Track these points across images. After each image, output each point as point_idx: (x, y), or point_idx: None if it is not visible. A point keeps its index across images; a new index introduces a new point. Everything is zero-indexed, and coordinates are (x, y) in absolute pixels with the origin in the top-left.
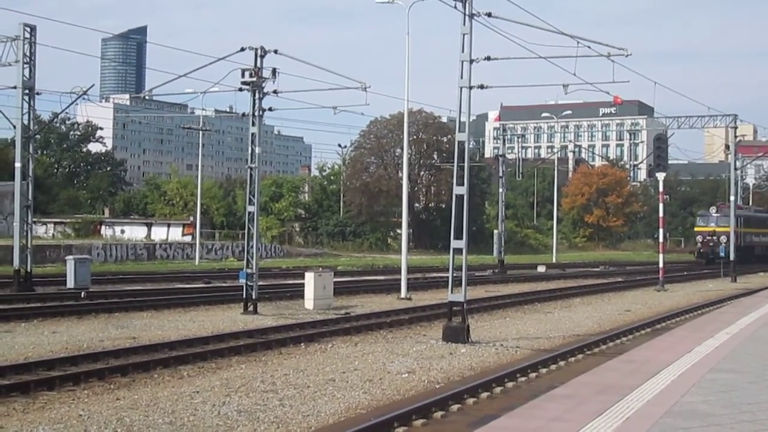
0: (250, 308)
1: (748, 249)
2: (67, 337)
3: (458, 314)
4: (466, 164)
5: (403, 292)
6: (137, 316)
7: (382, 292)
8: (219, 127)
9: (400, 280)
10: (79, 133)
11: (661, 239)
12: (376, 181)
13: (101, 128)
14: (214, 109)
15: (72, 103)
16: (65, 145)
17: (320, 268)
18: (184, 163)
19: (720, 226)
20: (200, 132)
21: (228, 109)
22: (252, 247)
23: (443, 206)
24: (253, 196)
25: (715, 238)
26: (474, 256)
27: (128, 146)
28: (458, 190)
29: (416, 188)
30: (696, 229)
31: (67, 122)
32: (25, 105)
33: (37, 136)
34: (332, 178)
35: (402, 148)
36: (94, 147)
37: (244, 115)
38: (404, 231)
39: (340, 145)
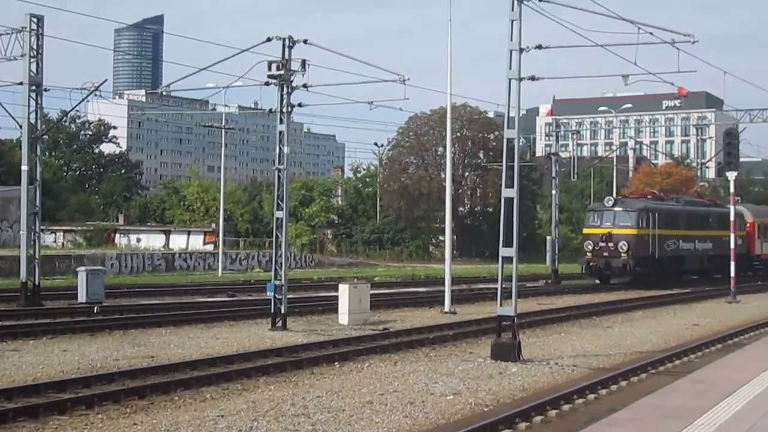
0: (279, 324)
1: (671, 260)
2: (79, 357)
3: (508, 330)
4: (515, 164)
5: (447, 306)
6: (155, 333)
7: (423, 305)
8: (243, 125)
9: (443, 292)
10: (90, 133)
11: (732, 245)
12: (416, 183)
13: (115, 127)
14: (237, 106)
15: (83, 100)
16: (75, 146)
17: (355, 279)
18: (205, 164)
19: (620, 227)
20: (222, 130)
21: (253, 106)
22: (280, 256)
23: (490, 210)
24: (282, 201)
25: (611, 245)
26: (525, 265)
27: (144, 147)
28: (507, 192)
29: (460, 190)
30: (585, 231)
31: (78, 121)
32: (32, 102)
33: (45, 137)
34: (368, 180)
35: (444, 147)
36: (107, 148)
37: (270, 111)
38: (448, 238)
39: (376, 144)
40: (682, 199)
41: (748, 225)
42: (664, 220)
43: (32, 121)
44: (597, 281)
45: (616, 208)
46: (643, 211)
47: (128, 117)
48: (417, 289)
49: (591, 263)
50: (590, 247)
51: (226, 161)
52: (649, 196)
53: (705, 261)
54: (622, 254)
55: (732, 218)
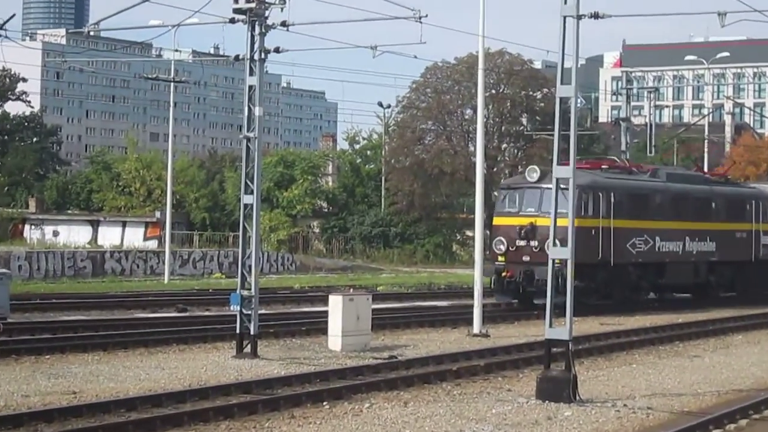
0: (247, 349)
1: (639, 269)
2: None
3: (560, 359)
4: (572, 132)
5: (477, 326)
6: (78, 360)
7: (444, 324)
8: (199, 78)
9: (471, 307)
10: None
11: None
12: (435, 157)
13: (24, 79)
14: (191, 51)
15: None
16: None
17: (351, 290)
18: (146, 131)
19: (550, 214)
20: (171, 85)
21: (213, 51)
22: (249, 257)
23: None
24: (251, 181)
25: (534, 243)
26: None
27: (64, 106)
28: (560, 171)
29: (496, 168)
30: (495, 221)
31: None
32: None
33: None
34: (369, 153)
35: (474, 108)
36: (12, 107)
37: (237, 59)
38: (478, 233)
39: (380, 105)
40: (663, 172)
41: None
42: (629, 204)
43: None
44: (513, 301)
45: (544, 185)
46: (589, 190)
47: (42, 66)
48: (436, 302)
49: (504, 273)
50: (502, 248)
51: (175, 126)
52: (604, 166)
53: (703, 270)
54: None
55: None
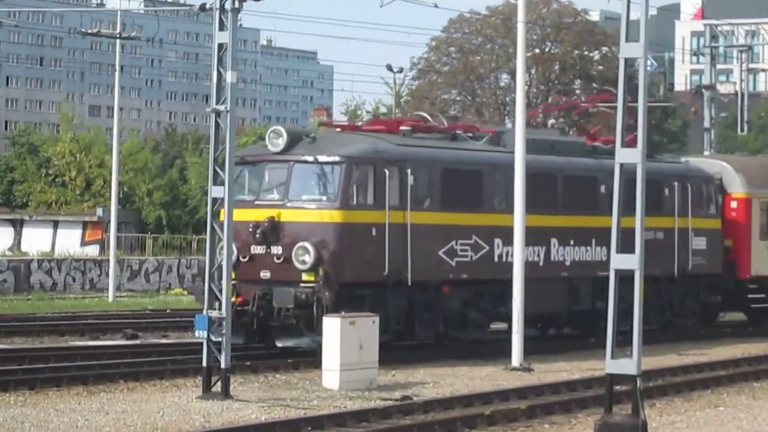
0: (216, 387)
1: (459, 291)
2: None
3: (626, 399)
4: (640, 104)
5: (517, 357)
6: None
7: (475, 355)
8: (153, 34)
9: (509, 332)
10: None
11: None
12: None
13: None
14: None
15: None
16: None
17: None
18: (84, 103)
19: (301, 204)
20: (117, 43)
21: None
22: (220, 266)
23: None
24: (222, 169)
25: (275, 252)
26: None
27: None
28: (626, 154)
29: None
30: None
31: None
32: None
33: None
34: None
35: (512, 73)
36: None
37: (202, 9)
38: (518, 232)
39: (390, 68)
40: (512, 137)
41: (732, 202)
42: (442, 187)
43: None
44: (240, 342)
45: (294, 157)
46: (365, 165)
47: None
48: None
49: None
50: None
51: (122, 98)
52: (405, 127)
53: (585, 292)
54: (305, 275)
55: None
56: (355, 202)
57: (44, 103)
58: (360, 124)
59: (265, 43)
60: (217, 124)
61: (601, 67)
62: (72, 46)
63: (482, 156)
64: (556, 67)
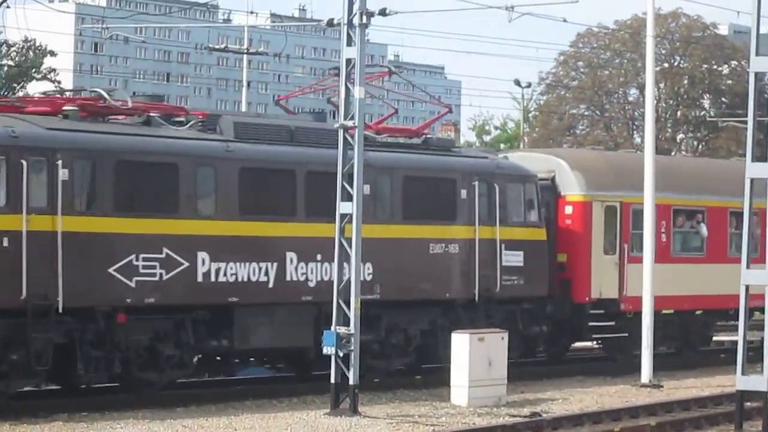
0: (345, 404)
1: (108, 326)
2: None
3: (756, 416)
4: None
5: (646, 373)
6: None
7: (600, 373)
8: (280, 50)
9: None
10: (11, 63)
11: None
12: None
13: (53, 53)
14: (269, 15)
15: None
16: None
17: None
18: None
19: None
20: (244, 59)
21: (297, 15)
22: (348, 278)
23: None
24: (350, 185)
25: None
26: None
27: (106, 86)
28: (755, 169)
29: None
30: None
31: None
32: None
33: None
34: (503, 146)
35: (641, 87)
36: (39, 88)
37: (330, 24)
38: (648, 247)
39: (518, 83)
40: (230, 122)
41: (567, 207)
42: (113, 182)
43: None
44: None
45: None
46: None
47: (76, 35)
48: (588, 342)
49: None
50: None
51: (250, 113)
52: (70, 107)
53: (279, 332)
54: None
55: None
56: None
57: None
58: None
59: (392, 58)
60: (344, 140)
61: (730, 82)
62: (199, 62)
63: (180, 145)
64: (685, 82)
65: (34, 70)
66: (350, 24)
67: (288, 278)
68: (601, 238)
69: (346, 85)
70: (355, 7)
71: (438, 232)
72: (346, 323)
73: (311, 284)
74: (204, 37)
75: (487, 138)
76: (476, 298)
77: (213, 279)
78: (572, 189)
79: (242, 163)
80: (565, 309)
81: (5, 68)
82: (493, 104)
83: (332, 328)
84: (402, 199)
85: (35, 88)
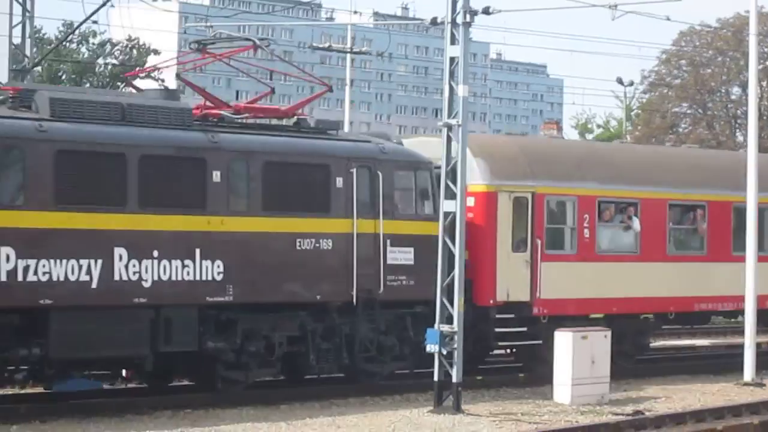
0: (448, 402)
1: None
2: None
3: None
4: None
5: (749, 372)
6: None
7: (703, 371)
8: (384, 48)
9: (740, 347)
10: (114, 63)
11: None
12: None
13: (156, 51)
14: (372, 13)
15: (102, 5)
16: (90, 83)
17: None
18: (313, 117)
19: None
20: (347, 57)
21: (401, 13)
22: (452, 278)
23: None
24: (454, 183)
25: None
26: None
27: (208, 86)
28: None
29: None
30: None
31: (93, 41)
32: (17, 8)
33: (39, 68)
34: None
35: (744, 86)
36: (142, 87)
37: (434, 23)
38: (751, 247)
39: (620, 82)
40: (46, 97)
41: (468, 199)
42: None
43: (17, 41)
44: None
45: None
46: None
47: (180, 33)
48: (693, 341)
49: None
50: None
51: (352, 111)
52: None
53: (177, 331)
54: None
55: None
56: None
57: None
58: None
59: (494, 56)
60: (448, 138)
61: None
62: (301, 61)
63: None
64: None
65: (137, 69)
66: (454, 23)
67: (116, 278)
68: (509, 233)
69: (449, 83)
70: (459, 5)
71: (307, 226)
72: (449, 321)
73: (146, 284)
74: (307, 36)
75: (590, 137)
76: (354, 300)
77: (21, 278)
78: (474, 178)
79: (59, 144)
80: (467, 314)
81: (109, 67)
82: (596, 102)
83: (435, 326)
84: (262, 188)
85: (140, 87)
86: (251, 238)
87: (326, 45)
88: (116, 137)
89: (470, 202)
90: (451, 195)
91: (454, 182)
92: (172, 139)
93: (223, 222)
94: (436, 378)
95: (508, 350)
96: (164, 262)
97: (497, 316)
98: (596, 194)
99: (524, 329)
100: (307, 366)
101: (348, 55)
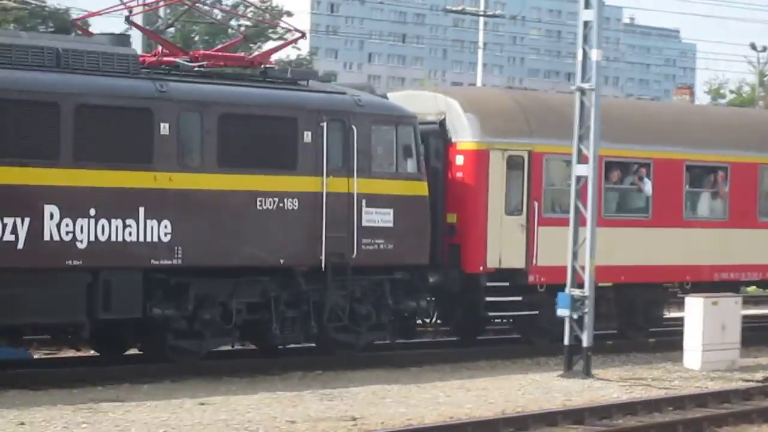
0: (578, 366)
1: None
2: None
3: None
4: None
5: None
6: (358, 376)
7: None
8: (517, 12)
9: None
10: (248, 23)
11: None
12: None
13: (289, 13)
14: None
15: None
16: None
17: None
18: (446, 80)
19: None
20: (480, 21)
21: None
22: (583, 241)
23: None
24: (587, 147)
25: None
26: None
27: (340, 48)
28: None
29: None
30: None
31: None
32: None
33: (172, 29)
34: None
35: None
36: (279, 54)
37: None
38: None
39: (753, 47)
40: None
41: (458, 156)
42: None
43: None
44: None
45: None
46: None
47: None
48: None
49: None
50: None
51: (484, 75)
52: None
53: (118, 297)
54: None
55: None
56: None
57: (406, 80)
58: None
59: (627, 21)
60: (581, 103)
61: None
62: (434, 24)
63: None
64: None
65: (270, 30)
66: None
67: (46, 238)
68: (502, 195)
69: (583, 47)
70: None
71: (269, 184)
72: (580, 286)
73: (81, 245)
74: None
75: (722, 101)
76: (323, 265)
77: None
78: (464, 135)
79: None
80: (455, 280)
81: (242, 28)
82: (729, 68)
83: (566, 290)
84: (218, 143)
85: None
86: (204, 196)
87: (460, 8)
88: (48, 84)
89: (459, 160)
90: (583, 159)
91: (588, 147)
92: (114, 88)
93: (172, 179)
94: (566, 342)
95: (504, 321)
96: (102, 221)
97: (488, 284)
98: (602, 154)
99: (519, 298)
100: (270, 335)
101: (481, 18)
